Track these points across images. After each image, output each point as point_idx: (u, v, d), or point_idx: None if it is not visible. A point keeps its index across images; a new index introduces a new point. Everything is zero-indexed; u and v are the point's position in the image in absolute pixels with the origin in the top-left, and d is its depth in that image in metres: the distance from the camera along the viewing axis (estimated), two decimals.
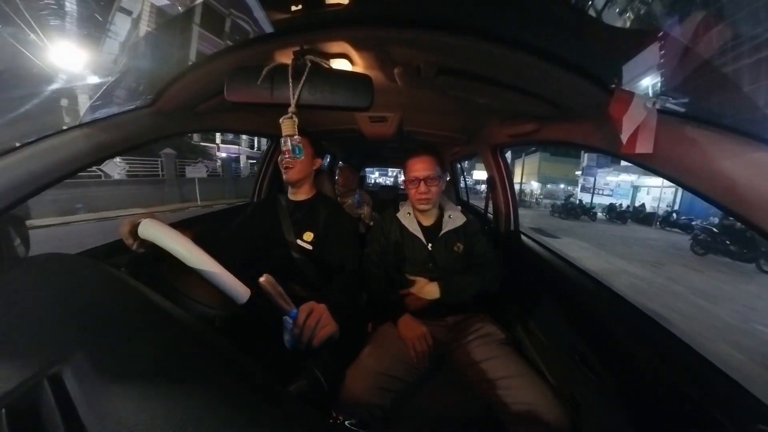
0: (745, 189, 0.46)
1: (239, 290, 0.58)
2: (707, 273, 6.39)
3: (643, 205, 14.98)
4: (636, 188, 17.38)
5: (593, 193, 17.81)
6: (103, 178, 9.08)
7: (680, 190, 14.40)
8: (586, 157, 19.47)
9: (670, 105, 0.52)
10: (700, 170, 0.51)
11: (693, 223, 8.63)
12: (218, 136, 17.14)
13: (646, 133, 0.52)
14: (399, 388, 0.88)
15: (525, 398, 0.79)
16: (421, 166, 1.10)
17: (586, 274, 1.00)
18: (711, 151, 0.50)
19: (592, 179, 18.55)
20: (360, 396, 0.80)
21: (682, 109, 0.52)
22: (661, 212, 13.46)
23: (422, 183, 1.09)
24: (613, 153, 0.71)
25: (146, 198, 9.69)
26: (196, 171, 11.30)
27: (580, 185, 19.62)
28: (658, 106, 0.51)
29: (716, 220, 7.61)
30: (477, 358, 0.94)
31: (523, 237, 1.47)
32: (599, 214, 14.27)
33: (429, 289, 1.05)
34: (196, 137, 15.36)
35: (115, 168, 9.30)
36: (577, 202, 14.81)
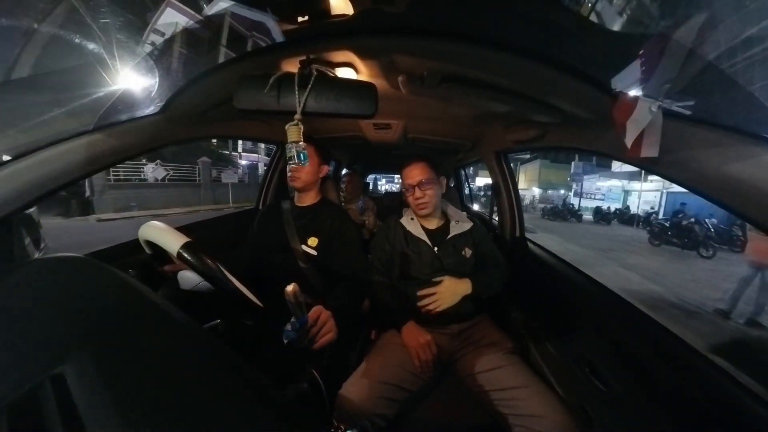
0: (754, 190, 0.45)
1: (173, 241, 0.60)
2: (646, 256, 7.58)
3: (627, 207, 16.44)
4: (627, 192, 18.62)
5: (581, 197, 19.62)
6: (152, 182, 10.88)
7: (665, 194, 15.42)
8: (573, 165, 21.39)
9: (676, 107, 0.51)
10: (706, 172, 0.50)
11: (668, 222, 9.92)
12: (240, 146, 18.12)
13: (652, 136, 0.51)
14: (402, 398, 0.86)
15: (533, 410, 0.77)
16: (413, 173, 1.13)
17: (596, 281, 0.98)
18: (717, 153, 0.49)
19: (582, 185, 20.69)
20: (362, 405, 0.79)
21: (688, 112, 0.52)
22: (645, 214, 14.69)
23: (416, 189, 1.11)
24: (619, 157, 0.70)
25: (187, 199, 11.39)
26: (229, 177, 13.06)
27: (573, 190, 21.26)
28: (662, 109, 0.50)
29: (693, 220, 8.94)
30: (483, 368, 0.92)
31: (529, 243, 1.45)
32: (589, 216, 15.70)
33: (461, 286, 1.02)
34: (229, 146, 17.11)
35: (162, 173, 10.95)
36: (570, 205, 16.16)
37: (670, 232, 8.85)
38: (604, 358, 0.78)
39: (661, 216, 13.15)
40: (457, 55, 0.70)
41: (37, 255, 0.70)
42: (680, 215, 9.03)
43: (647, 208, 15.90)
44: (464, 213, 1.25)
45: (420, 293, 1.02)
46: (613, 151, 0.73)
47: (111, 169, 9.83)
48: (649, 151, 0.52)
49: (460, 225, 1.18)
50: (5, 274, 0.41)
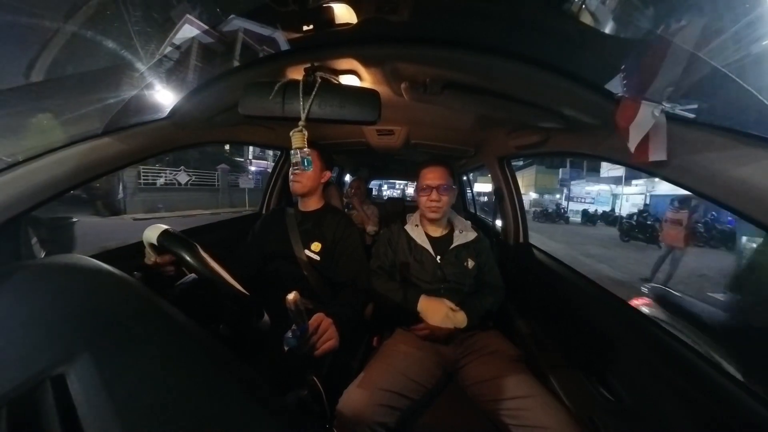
0: (760, 193, 0.44)
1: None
2: (611, 249, 8.80)
3: (613, 210, 18.36)
4: (616, 196, 20.19)
5: (568, 201, 21.60)
6: (176, 186, 12.07)
7: (648, 198, 16.61)
8: (561, 171, 23.54)
9: (679, 111, 0.51)
10: (712, 176, 0.50)
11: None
12: (250, 153, 19.26)
13: (657, 140, 0.51)
14: (404, 406, 0.85)
15: (539, 421, 0.74)
16: (434, 175, 1.12)
17: (604, 289, 0.96)
18: (723, 156, 0.48)
19: (573, 190, 22.83)
20: (363, 413, 0.77)
21: (692, 115, 0.51)
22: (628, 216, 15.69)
23: (434, 191, 1.10)
24: (624, 162, 0.70)
25: (207, 202, 12.58)
26: (246, 182, 14.32)
27: (564, 195, 23.01)
28: (666, 113, 0.50)
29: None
30: (487, 376, 0.90)
31: (534, 250, 1.43)
32: (577, 218, 17.47)
33: (458, 318, 1.00)
34: (244, 153, 18.45)
35: (185, 178, 12.27)
36: (559, 209, 17.73)
37: (636, 229, 10.03)
38: (613, 368, 0.76)
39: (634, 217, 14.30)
40: (459, 63, 0.71)
41: (43, 255, 0.71)
42: (645, 215, 10.37)
43: (634, 210, 17.34)
44: (469, 222, 1.25)
45: (417, 329, 1.03)
46: (619, 155, 0.73)
47: (142, 173, 10.75)
48: (657, 154, 0.52)
49: (464, 235, 1.17)
50: (10, 274, 0.42)
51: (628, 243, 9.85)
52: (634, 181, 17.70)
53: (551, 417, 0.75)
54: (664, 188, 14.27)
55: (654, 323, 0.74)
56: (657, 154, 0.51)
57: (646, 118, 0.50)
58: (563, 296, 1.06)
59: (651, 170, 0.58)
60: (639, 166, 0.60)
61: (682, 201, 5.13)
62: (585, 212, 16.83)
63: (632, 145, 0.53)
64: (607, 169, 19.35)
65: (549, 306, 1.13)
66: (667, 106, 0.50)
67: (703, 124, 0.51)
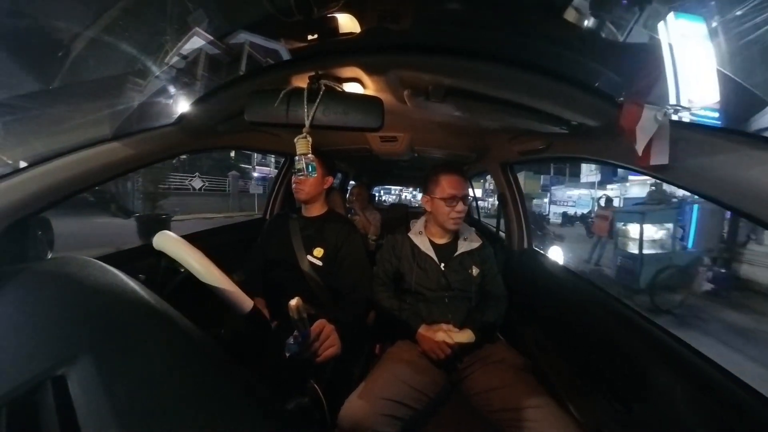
0: (763, 193, 0.43)
1: (243, 301, 0.60)
2: (574, 243, 9.56)
3: (590, 212, 19.49)
4: (594, 199, 21.69)
5: (550, 205, 23.18)
6: (190, 191, 12.93)
7: (622, 200, 17.35)
8: (542, 177, 25.55)
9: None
10: (715, 178, 0.49)
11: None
12: (254, 160, 20.01)
13: (660, 144, 0.51)
14: (406, 416, 0.83)
15: None
16: (461, 185, 1.08)
17: (612, 296, 0.94)
18: (725, 158, 0.48)
19: (556, 194, 24.52)
20: (365, 423, 0.76)
21: (695, 118, 0.51)
22: None
23: (461, 201, 1.06)
24: (628, 166, 0.69)
25: (218, 206, 13.22)
26: (255, 188, 15.54)
27: (548, 199, 24.63)
28: (669, 117, 0.50)
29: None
30: (491, 385, 0.87)
31: (539, 256, 1.42)
32: (557, 220, 18.83)
33: (464, 336, 0.98)
34: (252, 161, 19.46)
35: (199, 183, 13.27)
36: (544, 212, 18.93)
37: None
38: (623, 378, 0.74)
39: None
40: (461, 70, 0.72)
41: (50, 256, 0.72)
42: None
43: None
44: (473, 229, 1.23)
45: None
46: (622, 159, 0.73)
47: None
48: (659, 158, 0.52)
49: (468, 242, 1.15)
50: (16, 275, 0.42)
51: (592, 238, 10.79)
52: (609, 186, 19.03)
53: (559, 428, 0.72)
54: (635, 191, 15.71)
55: (665, 331, 0.72)
56: (659, 157, 0.51)
57: (649, 121, 0.50)
58: (569, 303, 1.04)
59: (653, 173, 0.58)
60: (642, 170, 0.60)
61: (608, 200, 7.19)
62: (564, 214, 18.33)
63: (639, 149, 0.53)
64: (586, 175, 21.11)
65: (555, 313, 1.10)
66: (669, 109, 0.50)
67: (704, 125, 0.51)
